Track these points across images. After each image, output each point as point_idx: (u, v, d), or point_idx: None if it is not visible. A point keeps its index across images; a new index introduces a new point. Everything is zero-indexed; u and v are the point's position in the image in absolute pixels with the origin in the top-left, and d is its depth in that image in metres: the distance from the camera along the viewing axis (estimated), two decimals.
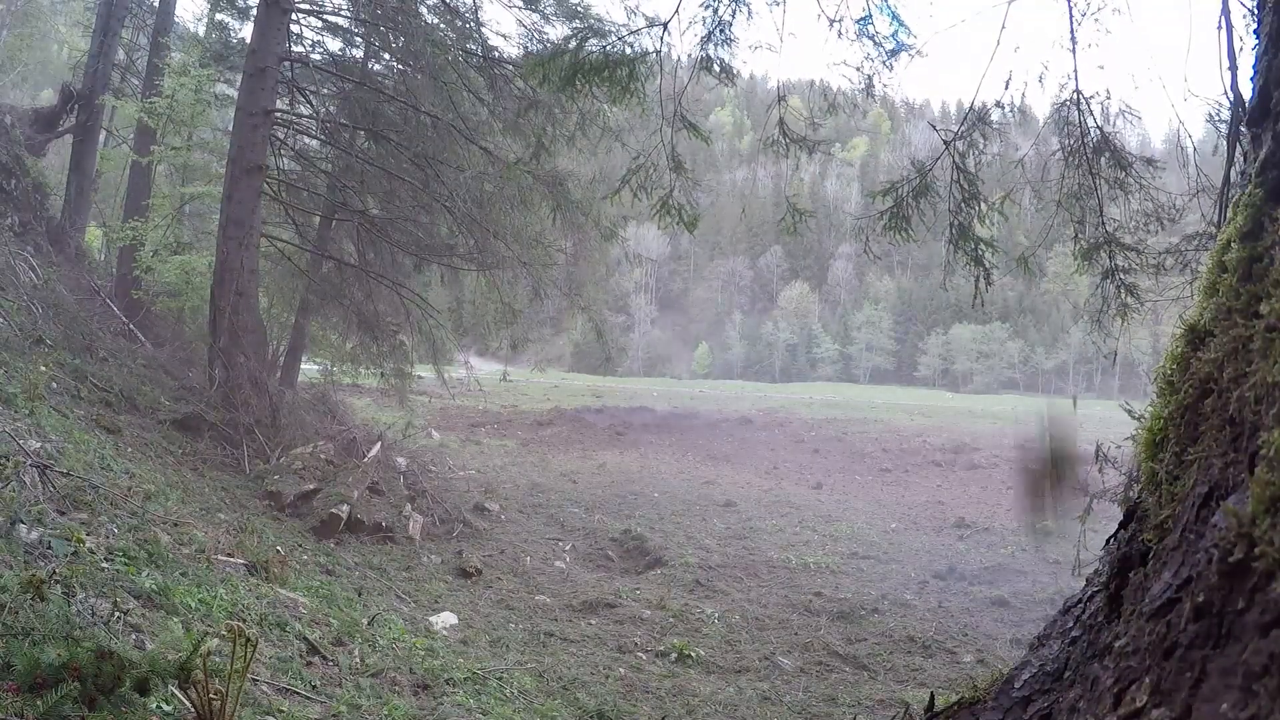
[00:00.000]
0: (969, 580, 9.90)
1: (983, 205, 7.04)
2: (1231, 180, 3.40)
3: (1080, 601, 2.03)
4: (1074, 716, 1.63)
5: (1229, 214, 1.76)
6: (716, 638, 7.57)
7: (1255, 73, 1.87)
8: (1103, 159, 6.57)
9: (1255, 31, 1.97)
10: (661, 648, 7.10)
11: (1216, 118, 5.53)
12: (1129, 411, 2.04)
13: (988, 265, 7.06)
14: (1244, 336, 1.50)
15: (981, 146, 6.82)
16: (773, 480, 18.74)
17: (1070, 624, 1.99)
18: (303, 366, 17.58)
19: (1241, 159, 1.98)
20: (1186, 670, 1.22)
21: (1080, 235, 6.93)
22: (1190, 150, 6.33)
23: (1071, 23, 6.18)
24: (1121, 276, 6.82)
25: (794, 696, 6.21)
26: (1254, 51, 1.95)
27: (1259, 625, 1.10)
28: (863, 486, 18.61)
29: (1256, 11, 2.04)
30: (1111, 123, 6.69)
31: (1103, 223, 6.79)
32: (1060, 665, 1.91)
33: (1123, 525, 1.99)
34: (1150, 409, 1.85)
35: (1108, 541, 2.06)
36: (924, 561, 10.84)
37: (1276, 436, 1.19)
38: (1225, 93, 4.17)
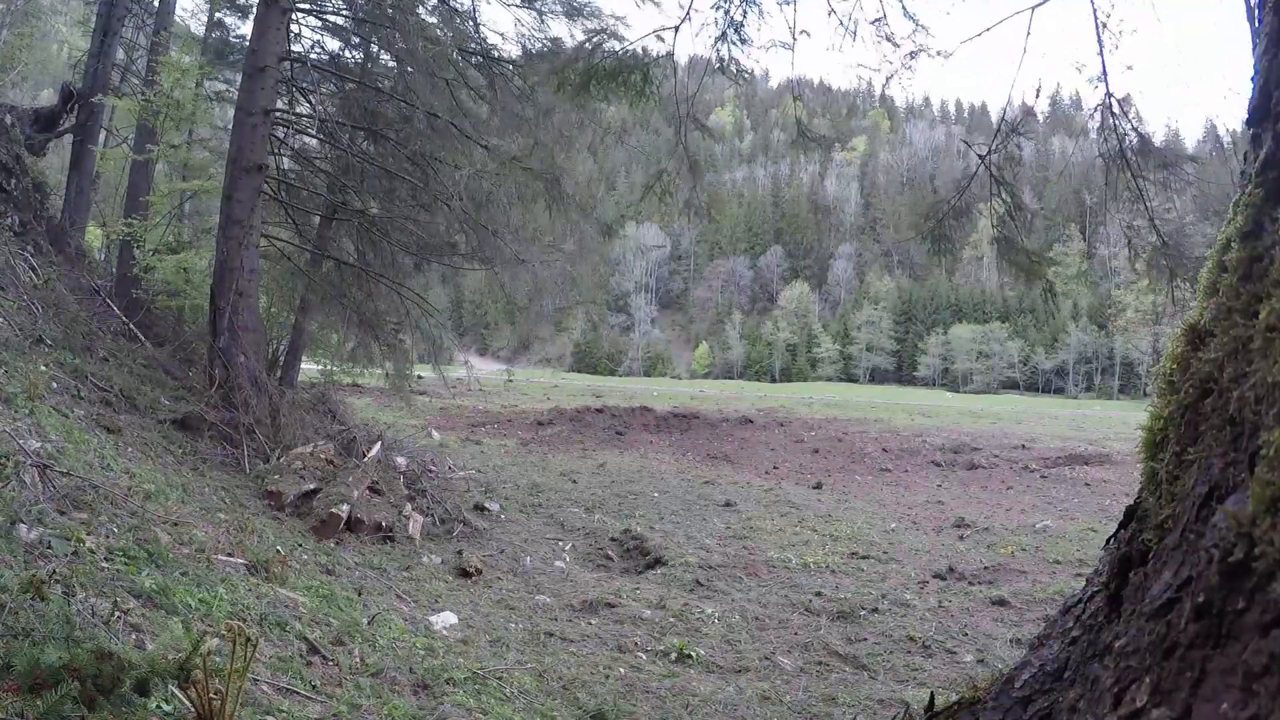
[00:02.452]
0: (969, 580, 9.89)
1: (1028, 216, 7.01)
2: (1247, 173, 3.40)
3: (1080, 601, 2.03)
4: (1074, 716, 1.63)
5: (1229, 214, 1.77)
6: (716, 637, 7.56)
7: (1255, 72, 1.87)
8: (1147, 160, 6.49)
9: (1255, 31, 1.97)
10: (661, 647, 7.09)
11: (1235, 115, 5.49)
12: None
13: (1044, 276, 7.01)
14: (1244, 336, 1.50)
15: (1018, 158, 6.79)
16: (773, 480, 18.74)
17: (1070, 624, 1.99)
18: (303, 366, 17.59)
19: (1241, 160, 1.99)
20: (1186, 670, 1.22)
21: (1135, 244, 6.83)
22: (1230, 147, 6.26)
23: (1097, 26, 6.14)
24: (1179, 282, 6.71)
25: (794, 696, 6.21)
26: (1254, 51, 1.95)
27: (1259, 625, 1.10)
28: (863, 486, 18.60)
29: (1257, 10, 2.03)
30: (1146, 124, 6.64)
31: (1155, 228, 6.70)
32: (1060, 665, 1.91)
33: (1123, 525, 1.99)
34: (1150, 409, 1.85)
35: (1108, 541, 2.06)
36: (924, 561, 10.83)
37: (1277, 436, 1.19)
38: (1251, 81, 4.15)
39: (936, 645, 7.52)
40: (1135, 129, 6.37)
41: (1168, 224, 6.74)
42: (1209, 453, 1.52)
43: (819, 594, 9.07)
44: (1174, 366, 1.80)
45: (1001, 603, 8.87)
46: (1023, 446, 25.47)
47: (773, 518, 13.76)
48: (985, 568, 10.43)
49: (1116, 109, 6.28)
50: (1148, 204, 6.48)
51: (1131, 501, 2.01)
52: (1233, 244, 1.65)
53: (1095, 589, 1.97)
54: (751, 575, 9.81)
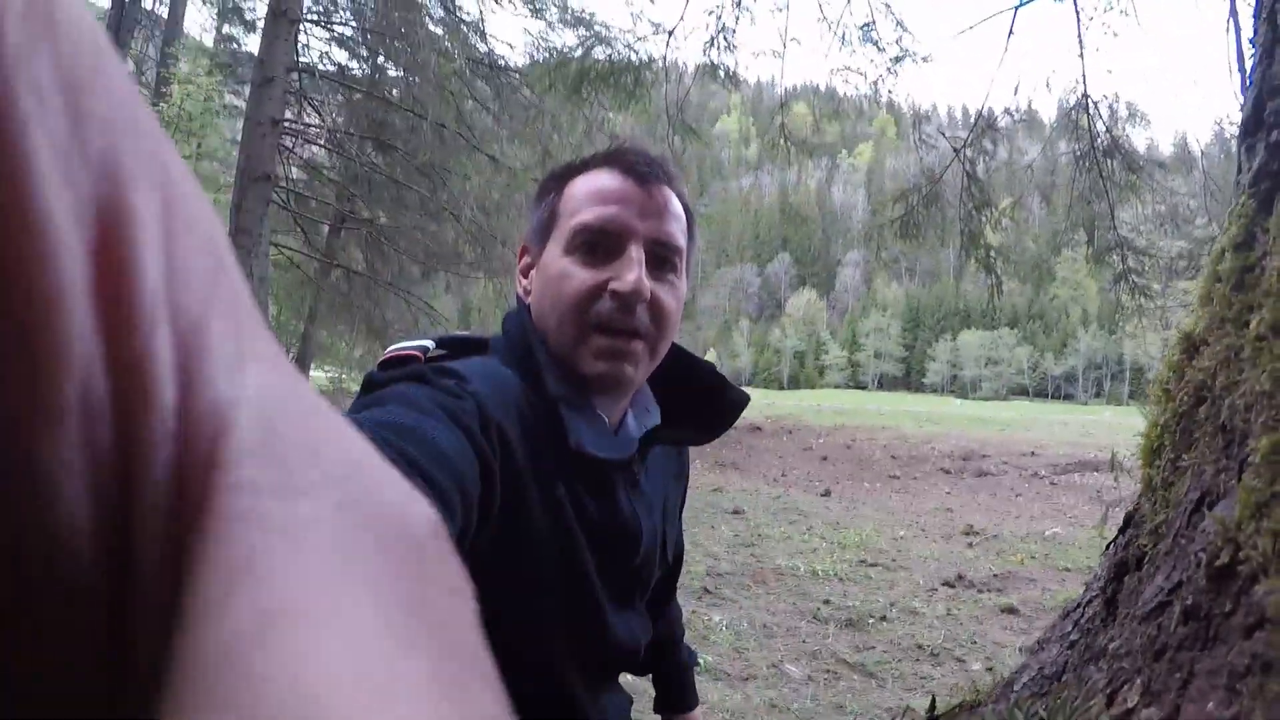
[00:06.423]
0: (978, 588, 9.85)
1: (994, 212, 7.07)
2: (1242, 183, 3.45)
3: (1079, 606, 2.06)
4: (1070, 718, 1.66)
5: (1225, 223, 1.79)
6: (724, 645, 7.57)
7: (1250, 83, 1.89)
8: (1113, 162, 6.58)
9: (1252, 41, 1.99)
10: None
11: (1227, 119, 5.56)
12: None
13: (999, 273, 7.10)
14: (1235, 345, 1.53)
15: (991, 153, 6.85)
16: (781, 487, 18.71)
17: (1069, 628, 2.01)
18: (312, 374, 17.66)
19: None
20: (1175, 671, 1.25)
21: (1093, 238, 6.94)
22: (1199, 154, 6.37)
23: (1079, 27, 6.21)
24: (1134, 279, 6.83)
25: (801, 704, 6.21)
26: (1250, 61, 1.98)
27: (1243, 627, 1.12)
28: (871, 493, 18.57)
29: (1254, 21, 2.06)
30: (1121, 127, 6.70)
31: (1114, 226, 6.80)
32: (1059, 668, 1.94)
33: (1121, 531, 2.01)
34: (1147, 416, 1.88)
35: (1107, 547, 2.08)
36: (932, 569, 10.79)
37: (1263, 444, 1.21)
38: (1235, 95, 4.18)
39: (945, 653, 7.51)
40: (1108, 130, 6.43)
41: (1125, 225, 6.82)
42: (1201, 460, 1.56)
43: (827, 602, 9.07)
44: (1170, 374, 1.82)
45: (1011, 610, 8.84)
46: (1032, 453, 25.39)
47: (781, 525, 13.74)
48: (994, 575, 10.40)
49: (1092, 109, 6.34)
50: (1111, 203, 6.54)
51: (1131, 508, 2.03)
52: (1226, 254, 1.68)
53: (1093, 594, 1.99)
54: (760, 583, 9.82)
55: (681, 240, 1.23)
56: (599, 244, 1.16)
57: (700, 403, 1.32)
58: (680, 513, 1.53)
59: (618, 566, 1.22)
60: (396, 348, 1.14)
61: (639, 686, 6.32)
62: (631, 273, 1.13)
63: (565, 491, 1.12)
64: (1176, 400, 1.75)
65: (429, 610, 0.23)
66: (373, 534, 0.24)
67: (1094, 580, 2.08)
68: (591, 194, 1.19)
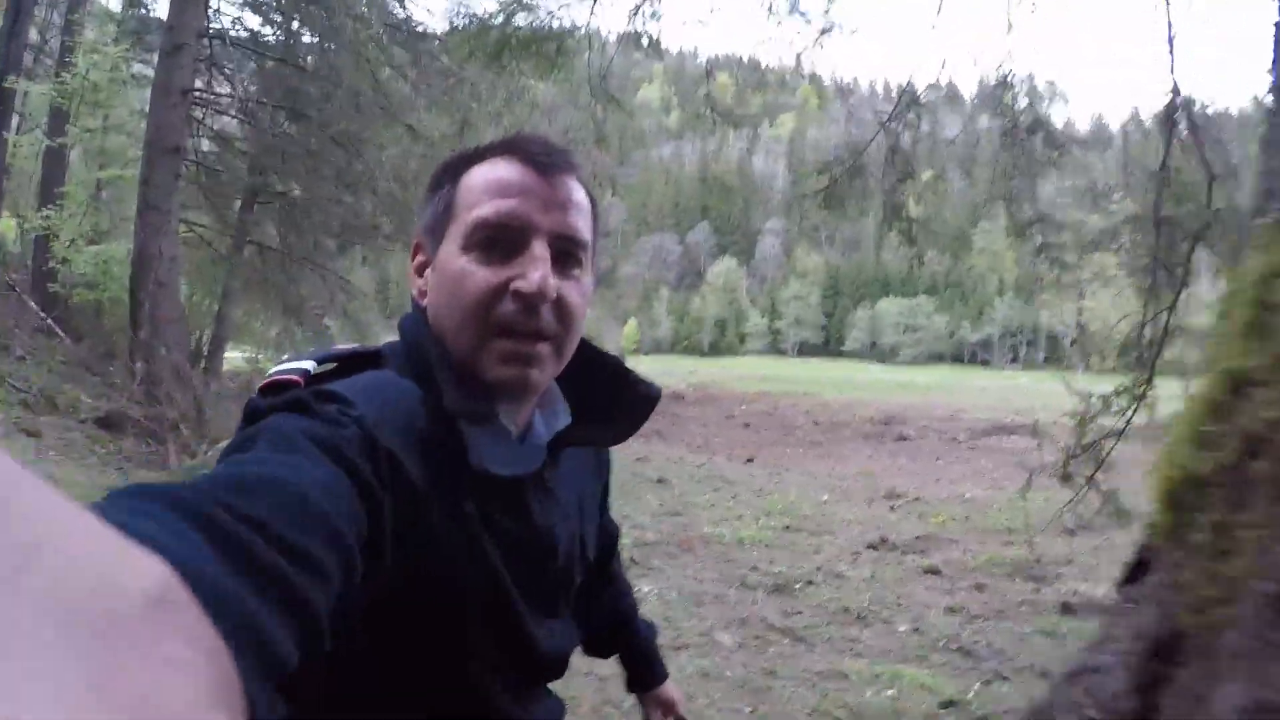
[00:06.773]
0: (901, 550, 10.03)
1: (917, 184, 7.14)
2: (1167, 164, 3.47)
3: (1087, 671, 1.84)
4: None
5: (1260, 238, 1.60)
6: (655, 615, 7.57)
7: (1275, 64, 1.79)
8: (1036, 139, 6.69)
9: (1277, 24, 1.94)
10: None
11: (1149, 101, 5.68)
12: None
13: (920, 244, 7.18)
14: None
15: (917, 127, 6.91)
16: (705, 455, 18.83)
17: (1082, 698, 1.82)
18: (228, 355, 17.22)
19: (1177, 144, 2.00)
20: None
21: (1013, 213, 7.05)
22: (1116, 133, 6.53)
23: (1007, 3, 6.29)
24: (1054, 253, 6.97)
25: (734, 672, 6.25)
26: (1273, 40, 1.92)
27: None
28: (794, 459, 18.79)
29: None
30: (1044, 104, 6.83)
31: (1035, 200, 6.92)
32: None
33: (1133, 578, 1.80)
34: (1164, 455, 1.65)
35: (1118, 586, 1.85)
36: (856, 533, 10.95)
37: None
38: (1170, 72, 4.24)
39: (872, 615, 7.63)
40: (1031, 106, 6.55)
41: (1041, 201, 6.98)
42: (1270, 529, 1.35)
43: (754, 568, 9.14)
44: (1208, 413, 1.57)
45: (934, 571, 9.03)
46: (951, 418, 25.93)
47: (706, 493, 13.81)
48: (917, 537, 10.60)
49: (1016, 87, 6.45)
50: (1033, 178, 6.67)
51: (1136, 551, 1.80)
52: (1277, 280, 1.49)
53: (1109, 659, 1.78)
54: (687, 551, 9.86)
55: (587, 234, 1.17)
56: (499, 240, 1.09)
57: (609, 399, 1.25)
58: (603, 505, 1.49)
59: (536, 577, 1.16)
60: (276, 371, 1.09)
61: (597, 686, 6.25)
62: (536, 271, 1.06)
63: (474, 507, 1.06)
64: (1223, 450, 1.50)
65: (119, 698, 0.22)
66: (51, 624, 0.22)
67: (1105, 640, 1.87)
68: (490, 186, 1.12)
